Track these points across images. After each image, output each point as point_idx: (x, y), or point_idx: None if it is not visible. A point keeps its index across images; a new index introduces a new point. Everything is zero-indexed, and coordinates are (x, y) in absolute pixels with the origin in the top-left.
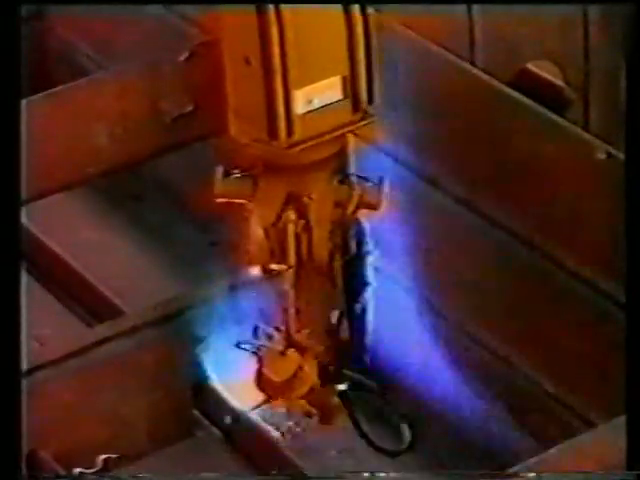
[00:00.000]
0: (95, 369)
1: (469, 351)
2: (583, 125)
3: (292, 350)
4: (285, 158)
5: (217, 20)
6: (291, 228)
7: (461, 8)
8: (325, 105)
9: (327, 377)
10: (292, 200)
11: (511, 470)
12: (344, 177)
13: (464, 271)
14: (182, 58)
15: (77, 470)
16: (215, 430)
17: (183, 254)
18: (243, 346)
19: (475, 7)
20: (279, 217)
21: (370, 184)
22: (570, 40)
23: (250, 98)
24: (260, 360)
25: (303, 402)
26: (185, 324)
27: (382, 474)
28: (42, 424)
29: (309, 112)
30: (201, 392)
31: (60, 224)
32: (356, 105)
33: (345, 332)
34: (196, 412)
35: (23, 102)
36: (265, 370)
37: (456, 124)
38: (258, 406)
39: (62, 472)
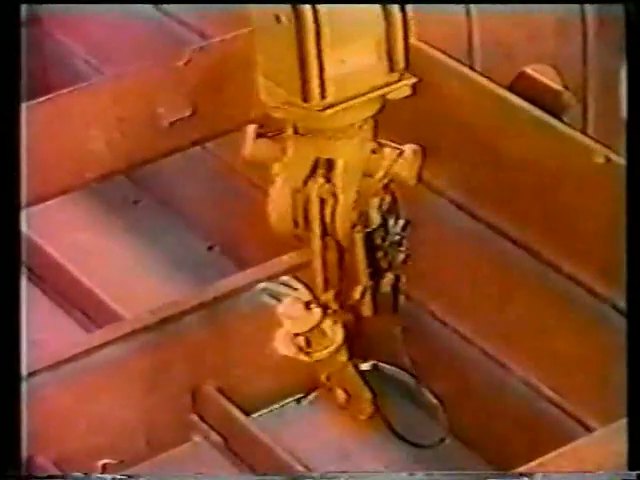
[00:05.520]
0: (94, 374)
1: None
2: (581, 129)
3: (316, 306)
4: (317, 121)
5: None
6: (317, 192)
7: (460, 12)
8: (359, 67)
9: (352, 351)
10: (320, 165)
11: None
12: (377, 146)
13: (460, 275)
14: (180, 63)
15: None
16: (213, 435)
17: (180, 259)
18: (269, 292)
19: (473, 11)
20: (306, 182)
21: (403, 156)
22: (568, 44)
23: (280, 59)
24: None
25: (327, 382)
26: (183, 329)
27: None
28: (41, 429)
29: (342, 74)
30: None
31: (58, 229)
32: (392, 66)
33: (368, 309)
34: (194, 417)
35: (22, 106)
36: (285, 320)
37: (456, 128)
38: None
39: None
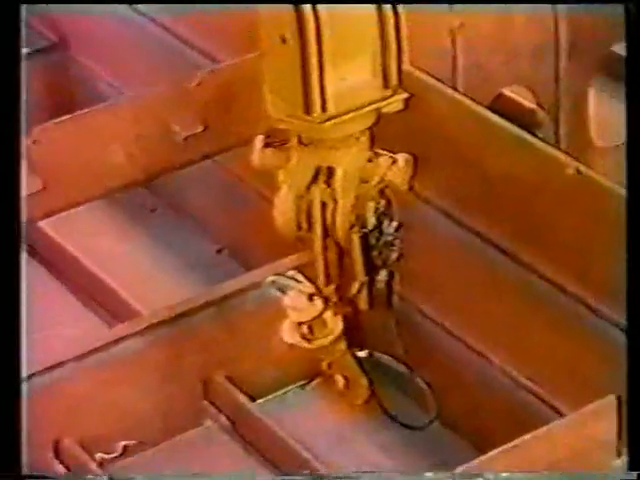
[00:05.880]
0: (115, 364)
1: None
2: (554, 144)
3: (318, 298)
4: (318, 132)
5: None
6: (318, 196)
7: (447, 39)
8: (357, 84)
9: (350, 341)
10: (321, 173)
11: (484, 456)
12: (372, 155)
13: (448, 278)
14: (192, 84)
15: (99, 455)
16: (223, 419)
17: (192, 261)
18: (277, 285)
19: (458, 38)
20: (308, 188)
21: (396, 164)
22: (541, 67)
23: (286, 75)
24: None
25: (328, 370)
26: (195, 324)
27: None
28: (67, 415)
29: (341, 89)
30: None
31: (83, 234)
32: (386, 83)
33: (364, 303)
34: (205, 403)
35: (49, 124)
36: (290, 311)
37: (442, 143)
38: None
39: (85, 457)
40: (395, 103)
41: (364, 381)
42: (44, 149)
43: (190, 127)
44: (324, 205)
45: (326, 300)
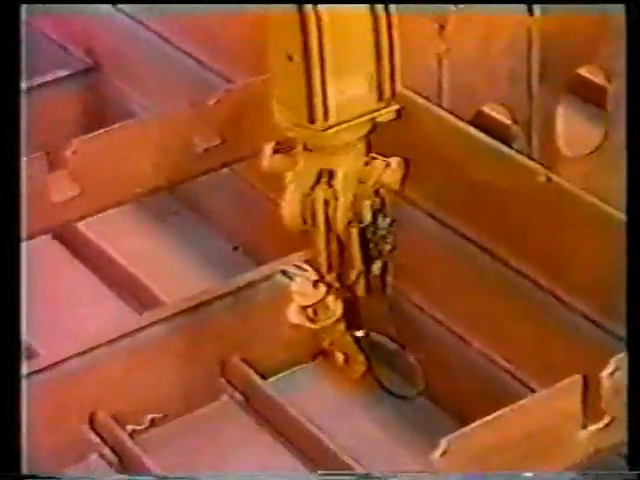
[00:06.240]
0: (142, 347)
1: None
2: (527, 154)
3: (321, 285)
4: (321, 139)
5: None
6: (321, 195)
7: (433, 62)
8: (355, 96)
9: (350, 321)
10: (324, 175)
11: (465, 428)
12: (369, 159)
13: (434, 272)
14: (211, 102)
15: (129, 426)
16: (237, 395)
17: (211, 257)
18: (286, 273)
19: (444, 62)
20: (313, 188)
21: (389, 167)
22: (516, 87)
23: (292, 89)
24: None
25: (329, 347)
26: (213, 312)
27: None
28: (101, 391)
29: (342, 101)
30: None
31: (115, 233)
32: (380, 96)
33: (361, 289)
34: (222, 381)
35: (86, 137)
36: (296, 295)
37: (429, 154)
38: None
39: (117, 429)
40: (388, 114)
41: (361, 358)
42: (81, 159)
43: (208, 140)
44: (326, 203)
45: (328, 286)
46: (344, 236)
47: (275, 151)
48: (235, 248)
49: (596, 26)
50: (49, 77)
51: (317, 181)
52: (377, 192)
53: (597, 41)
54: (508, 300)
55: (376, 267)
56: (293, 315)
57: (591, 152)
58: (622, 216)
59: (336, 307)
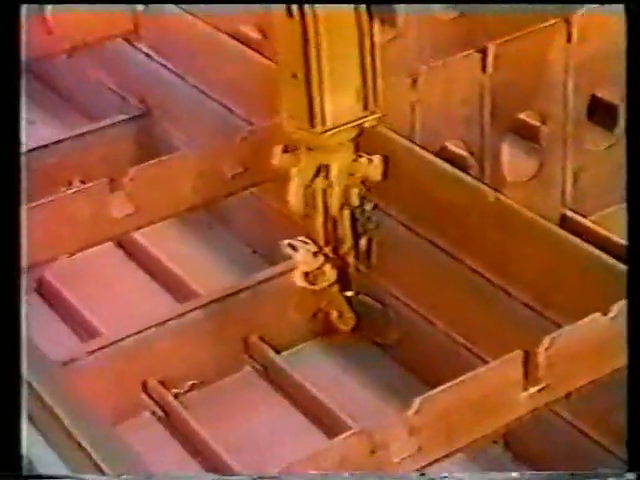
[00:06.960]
0: (182, 329)
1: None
2: (480, 179)
3: (320, 255)
4: (319, 140)
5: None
6: (320, 185)
7: (407, 107)
8: (346, 106)
9: (342, 284)
10: (322, 169)
11: (430, 392)
12: (356, 157)
13: (411, 274)
14: (237, 139)
15: (173, 390)
16: (257, 365)
17: (235, 258)
18: (291, 245)
19: (417, 108)
20: (313, 180)
21: (372, 163)
22: (471, 127)
23: (296, 101)
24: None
25: (326, 306)
26: (237, 302)
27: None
28: (151, 362)
29: (336, 110)
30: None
31: (162, 241)
32: (366, 106)
33: (351, 259)
34: (245, 355)
35: (140, 166)
36: (300, 264)
37: (403, 180)
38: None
39: (164, 392)
40: (372, 120)
41: (351, 313)
42: (136, 184)
43: (235, 168)
44: (324, 191)
45: (325, 256)
46: (337, 217)
47: (284, 151)
48: (254, 252)
49: (534, 79)
50: (110, 121)
51: (316, 174)
52: (363, 182)
53: (534, 92)
54: (466, 292)
55: (363, 242)
56: (297, 279)
57: (529, 179)
58: (555, 227)
59: (331, 273)
